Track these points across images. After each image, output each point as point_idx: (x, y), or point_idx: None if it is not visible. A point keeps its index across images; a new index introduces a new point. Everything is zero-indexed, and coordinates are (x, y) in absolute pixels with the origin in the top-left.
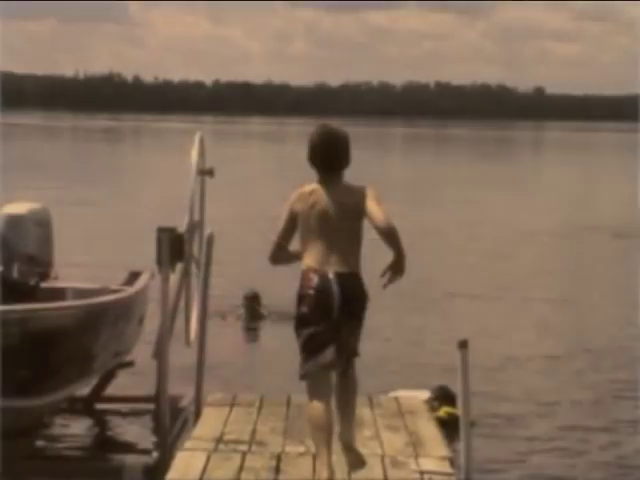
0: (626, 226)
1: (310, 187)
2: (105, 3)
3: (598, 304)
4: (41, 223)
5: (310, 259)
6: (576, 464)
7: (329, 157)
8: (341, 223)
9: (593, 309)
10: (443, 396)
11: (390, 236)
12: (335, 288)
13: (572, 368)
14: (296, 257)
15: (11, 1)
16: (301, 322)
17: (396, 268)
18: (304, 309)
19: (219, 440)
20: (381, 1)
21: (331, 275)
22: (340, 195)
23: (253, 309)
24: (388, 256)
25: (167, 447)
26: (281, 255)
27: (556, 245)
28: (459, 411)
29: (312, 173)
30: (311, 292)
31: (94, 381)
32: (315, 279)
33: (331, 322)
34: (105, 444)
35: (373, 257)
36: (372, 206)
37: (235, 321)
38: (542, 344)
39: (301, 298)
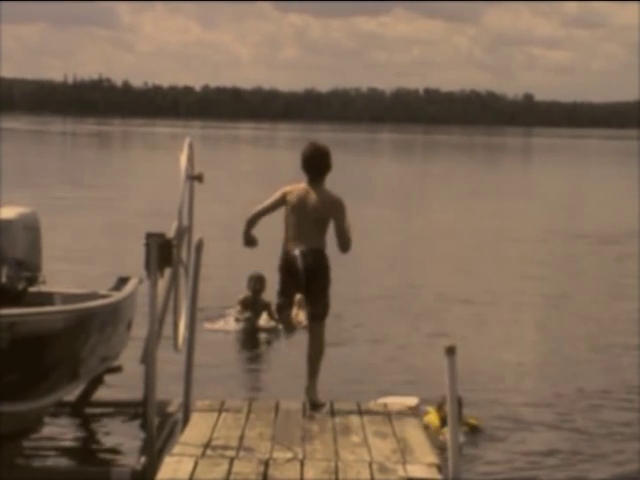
0: (615, 232)
1: (301, 185)
2: (95, 8)
3: (588, 309)
4: (30, 228)
5: (287, 241)
6: (577, 466)
7: (316, 166)
8: (315, 216)
9: (583, 314)
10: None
11: (341, 246)
12: (299, 261)
13: (565, 373)
14: (251, 239)
15: (1, 3)
16: (280, 285)
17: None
18: (280, 276)
19: (207, 445)
20: (371, 2)
21: (297, 252)
22: (321, 196)
23: (257, 292)
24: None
25: (155, 452)
26: (254, 222)
27: (545, 251)
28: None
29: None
30: (282, 264)
31: (82, 386)
32: (287, 257)
33: (298, 282)
34: (93, 449)
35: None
36: (342, 220)
37: (224, 325)
38: (534, 349)
39: (279, 269)
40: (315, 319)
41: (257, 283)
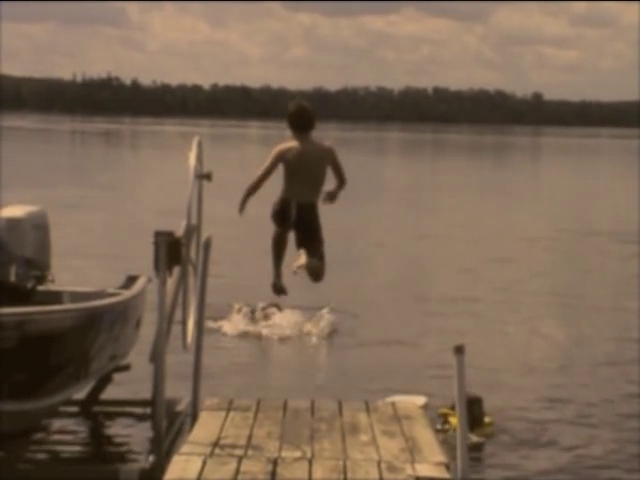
0: (626, 231)
1: (290, 142)
2: (104, 6)
3: (600, 308)
4: (39, 226)
5: (283, 191)
6: (589, 466)
7: (302, 121)
8: (311, 166)
9: (595, 313)
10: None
11: (342, 183)
12: (293, 211)
13: (578, 372)
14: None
15: (10, 2)
16: (274, 219)
17: (334, 193)
18: (274, 215)
19: (215, 444)
20: (380, 1)
21: (293, 207)
22: (311, 147)
23: None
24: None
25: (163, 451)
26: (256, 187)
27: (555, 250)
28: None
29: None
30: (277, 209)
31: (91, 384)
32: (282, 205)
33: (287, 226)
34: (101, 448)
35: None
36: (338, 163)
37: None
38: (545, 348)
39: (274, 213)
40: (312, 255)
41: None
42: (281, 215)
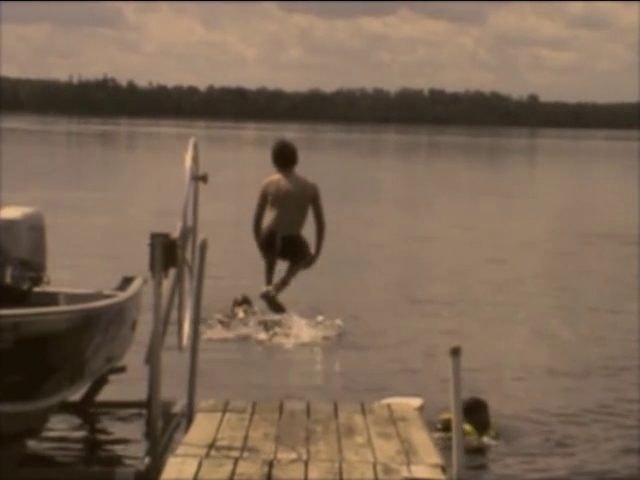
0: (623, 233)
1: (275, 177)
2: (100, 8)
3: (598, 310)
4: (34, 228)
5: (269, 222)
6: (584, 469)
7: (284, 158)
8: (293, 199)
9: (593, 315)
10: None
11: (321, 230)
12: (279, 243)
13: (577, 374)
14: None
15: (5, 3)
16: (261, 249)
17: (317, 250)
18: (261, 250)
19: (211, 446)
20: (375, 2)
21: (278, 238)
22: (294, 182)
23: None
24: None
25: (158, 453)
26: (258, 222)
27: (552, 251)
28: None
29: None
30: (264, 240)
31: (86, 386)
32: (268, 235)
33: (274, 254)
34: (96, 449)
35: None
36: (319, 204)
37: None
38: (544, 350)
39: (261, 243)
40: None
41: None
42: (267, 246)
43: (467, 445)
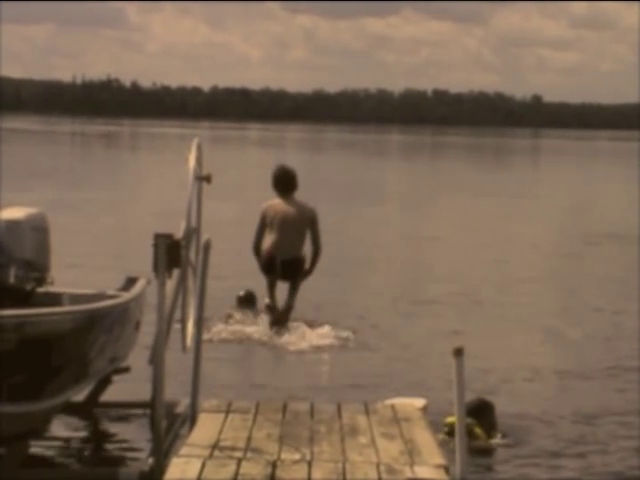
0: (627, 234)
1: (274, 201)
2: (103, 8)
3: (602, 311)
4: (38, 228)
5: (268, 245)
6: (590, 470)
7: (284, 184)
8: (295, 226)
9: (597, 315)
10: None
11: (317, 254)
12: (279, 267)
13: (579, 375)
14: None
15: (9, 3)
16: (262, 271)
17: (311, 268)
18: (262, 271)
19: (214, 447)
20: (379, 2)
21: (278, 261)
22: (293, 207)
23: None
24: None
25: (162, 453)
26: (258, 246)
27: (557, 251)
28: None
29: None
30: (264, 262)
31: (90, 386)
32: (268, 258)
33: (275, 276)
34: (100, 450)
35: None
36: (316, 228)
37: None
38: (547, 351)
39: (262, 266)
40: (289, 297)
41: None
42: (267, 269)
43: (475, 447)
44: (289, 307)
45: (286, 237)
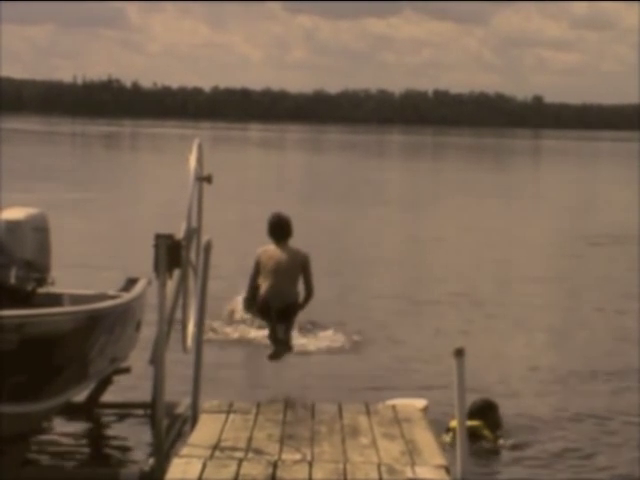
0: (627, 234)
1: (268, 246)
2: (104, 8)
3: (604, 311)
4: (39, 229)
5: (263, 291)
6: (588, 469)
7: (279, 231)
8: (285, 271)
9: (598, 316)
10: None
11: (309, 295)
12: (274, 314)
13: (577, 375)
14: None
15: (10, 4)
16: (258, 315)
17: (302, 305)
18: (259, 315)
19: (215, 447)
20: (380, 2)
21: (273, 309)
22: (286, 254)
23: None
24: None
25: (163, 454)
26: (253, 295)
27: (556, 252)
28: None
29: (309, 189)
30: (259, 309)
31: (91, 387)
32: (263, 306)
33: (270, 320)
34: (101, 450)
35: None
36: (309, 273)
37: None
38: (546, 351)
39: (257, 310)
40: (284, 335)
41: None
42: (263, 314)
43: (484, 448)
44: (288, 348)
45: (280, 283)
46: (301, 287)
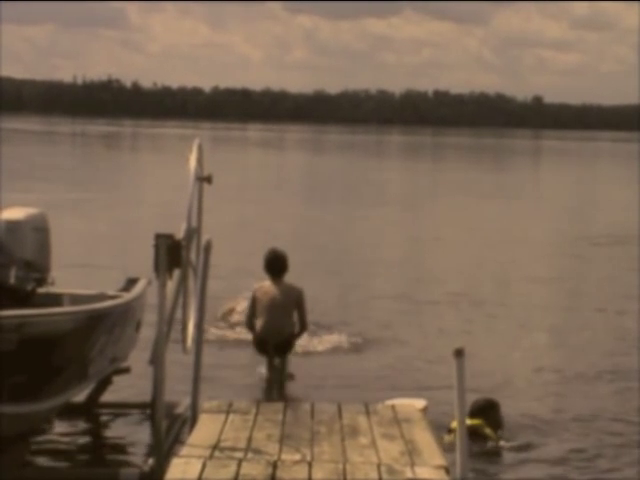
0: (627, 234)
1: (264, 282)
2: (104, 8)
3: (601, 311)
4: (39, 228)
5: (259, 327)
6: (590, 470)
7: (275, 267)
8: (280, 307)
9: (599, 316)
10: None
11: (303, 329)
12: (271, 350)
13: (578, 375)
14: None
15: (10, 4)
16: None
17: (296, 336)
18: (256, 349)
19: (215, 447)
20: (380, 3)
21: (270, 346)
22: (281, 290)
23: None
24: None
25: (163, 454)
26: (251, 325)
27: (556, 253)
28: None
29: (309, 189)
30: (257, 344)
31: (91, 387)
32: (260, 342)
33: (267, 355)
34: (101, 450)
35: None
36: (302, 307)
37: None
38: (546, 351)
39: (254, 345)
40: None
41: None
42: (260, 348)
43: (486, 449)
44: (289, 376)
45: (274, 319)
46: (296, 317)
